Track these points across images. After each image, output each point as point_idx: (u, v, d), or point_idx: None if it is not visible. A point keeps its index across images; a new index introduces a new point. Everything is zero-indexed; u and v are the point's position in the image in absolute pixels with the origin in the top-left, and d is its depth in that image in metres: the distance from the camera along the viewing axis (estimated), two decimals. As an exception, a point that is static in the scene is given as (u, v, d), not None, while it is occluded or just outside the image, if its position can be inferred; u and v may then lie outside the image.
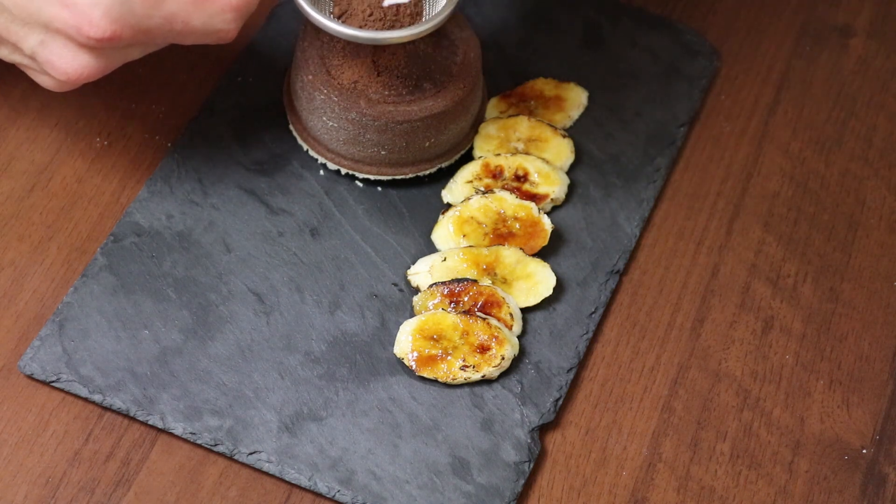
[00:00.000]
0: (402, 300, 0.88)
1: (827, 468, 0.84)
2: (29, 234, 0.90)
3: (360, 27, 0.86)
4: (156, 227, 0.90)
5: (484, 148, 0.94)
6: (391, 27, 0.86)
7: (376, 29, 0.86)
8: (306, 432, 0.83)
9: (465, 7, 1.00)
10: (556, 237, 0.91)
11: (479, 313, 0.86)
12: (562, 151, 0.94)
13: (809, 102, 0.99)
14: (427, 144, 0.91)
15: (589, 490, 0.83)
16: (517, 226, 0.89)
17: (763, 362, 0.88)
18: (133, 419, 0.83)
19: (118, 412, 0.83)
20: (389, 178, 0.92)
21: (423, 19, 0.87)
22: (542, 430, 0.85)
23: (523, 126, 0.94)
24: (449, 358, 0.85)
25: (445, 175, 0.93)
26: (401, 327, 0.86)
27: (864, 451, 0.85)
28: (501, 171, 0.92)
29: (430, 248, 0.90)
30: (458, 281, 0.87)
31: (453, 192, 0.92)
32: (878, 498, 0.84)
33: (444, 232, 0.90)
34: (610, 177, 0.94)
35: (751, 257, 0.92)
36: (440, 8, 0.87)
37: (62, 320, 0.86)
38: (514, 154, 0.93)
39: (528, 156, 0.92)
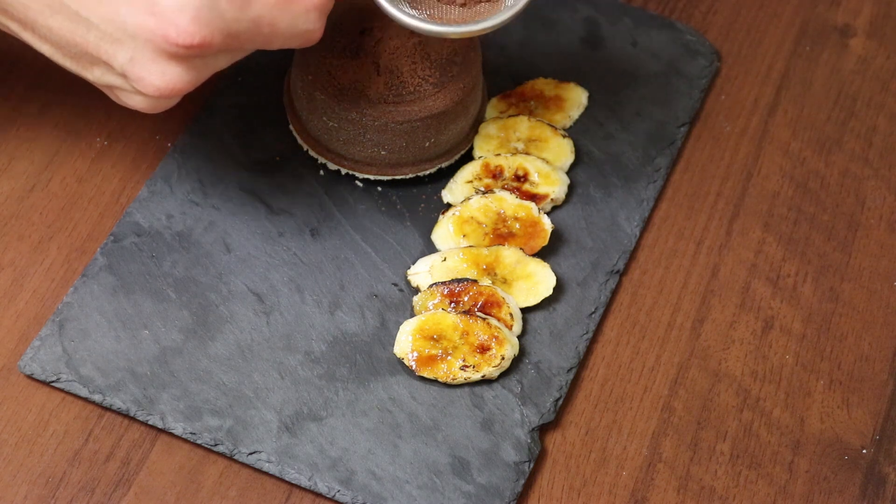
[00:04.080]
0: (402, 300, 0.88)
1: (827, 468, 0.84)
2: (29, 234, 0.90)
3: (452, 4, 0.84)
4: (156, 227, 0.90)
5: (484, 148, 0.94)
6: (464, 4, 0.85)
7: (465, 6, 0.84)
8: (306, 432, 0.83)
9: (465, 7, 1.00)
10: (556, 237, 0.91)
11: (479, 313, 0.86)
12: (562, 151, 0.94)
13: (809, 102, 0.99)
14: (427, 144, 0.91)
15: (589, 490, 0.83)
16: (517, 226, 0.89)
17: (763, 362, 0.88)
18: (133, 419, 0.83)
19: (118, 412, 0.83)
20: (389, 178, 0.92)
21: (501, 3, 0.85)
22: (542, 430, 0.85)
23: (523, 126, 0.94)
24: (449, 358, 0.85)
25: (445, 175, 0.93)
26: (401, 327, 0.86)
27: (864, 451, 0.85)
28: (501, 171, 0.92)
29: (430, 248, 0.90)
30: (458, 281, 0.87)
31: (453, 192, 0.92)
32: (878, 498, 0.84)
33: (444, 232, 0.90)
34: (610, 177, 0.94)
35: (751, 257, 0.92)
36: None
37: (62, 320, 0.86)
38: (514, 154, 0.93)
39: (528, 156, 0.92)
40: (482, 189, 0.91)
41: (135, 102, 0.80)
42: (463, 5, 0.85)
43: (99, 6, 0.76)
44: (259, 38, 0.79)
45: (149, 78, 0.78)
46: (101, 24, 0.77)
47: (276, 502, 0.82)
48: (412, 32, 0.89)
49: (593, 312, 0.89)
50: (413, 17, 0.83)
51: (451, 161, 0.93)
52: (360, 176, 0.92)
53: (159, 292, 0.87)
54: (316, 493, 0.82)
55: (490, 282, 0.88)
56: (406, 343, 0.85)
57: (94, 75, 0.80)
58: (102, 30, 0.77)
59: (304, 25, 0.80)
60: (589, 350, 0.88)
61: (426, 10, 0.84)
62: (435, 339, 0.85)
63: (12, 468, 0.82)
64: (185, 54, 0.77)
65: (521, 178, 0.92)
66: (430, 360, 0.85)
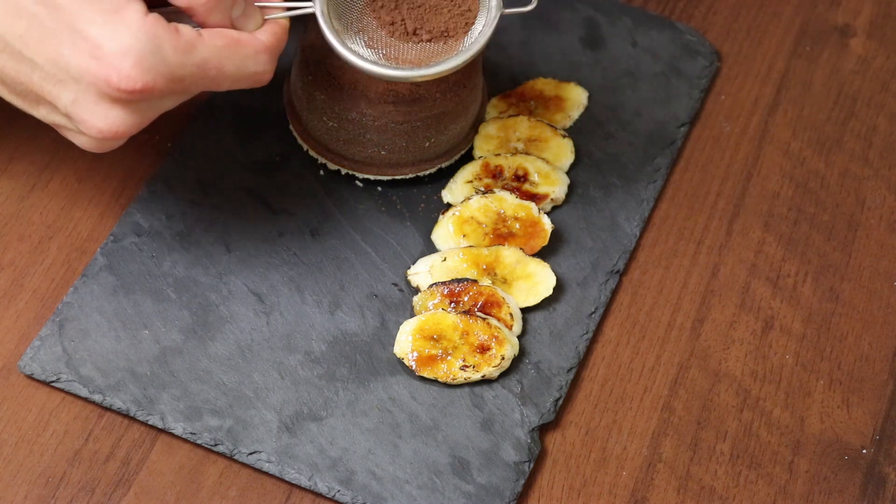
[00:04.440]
0: (402, 300, 0.88)
1: (827, 468, 0.84)
2: (29, 234, 0.90)
3: (409, 42, 0.85)
4: (156, 227, 0.90)
5: (484, 148, 0.94)
6: (414, 34, 0.85)
7: (399, 38, 0.85)
8: (306, 432, 0.83)
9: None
10: (556, 237, 0.91)
11: (479, 313, 0.86)
12: (562, 151, 0.94)
13: (809, 102, 0.99)
14: (427, 144, 0.91)
15: (589, 490, 0.83)
16: (517, 226, 0.89)
17: (763, 362, 0.88)
18: (133, 419, 0.83)
19: (118, 412, 0.83)
20: (389, 178, 0.92)
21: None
22: (542, 430, 0.85)
23: (523, 126, 0.94)
24: (449, 358, 0.85)
25: (445, 175, 0.93)
26: (401, 327, 0.86)
27: (864, 451, 0.85)
28: (501, 171, 0.92)
29: (430, 248, 0.90)
30: (458, 281, 0.87)
31: (453, 192, 0.92)
32: (878, 498, 0.84)
33: (444, 232, 0.90)
34: (610, 177, 0.94)
35: (751, 257, 0.92)
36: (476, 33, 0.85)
37: (62, 320, 0.86)
38: (514, 154, 0.93)
39: (528, 156, 0.92)
40: (482, 189, 0.91)
41: (80, 142, 0.80)
42: (429, 41, 0.85)
43: (43, 47, 0.75)
44: (205, 81, 0.78)
45: (91, 120, 0.77)
46: (46, 65, 0.76)
47: (276, 502, 0.82)
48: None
49: (593, 312, 0.88)
50: (365, 60, 0.82)
51: (451, 161, 0.93)
52: (360, 176, 0.92)
53: (159, 292, 0.87)
54: (316, 493, 0.82)
55: (490, 282, 0.88)
56: (406, 343, 0.85)
57: (41, 114, 0.80)
58: (46, 71, 0.76)
59: (253, 68, 0.79)
60: (589, 350, 0.88)
61: (382, 50, 0.84)
62: (435, 339, 0.85)
63: (12, 468, 0.82)
64: (127, 98, 0.76)
65: (521, 178, 0.92)
66: (430, 360, 0.85)
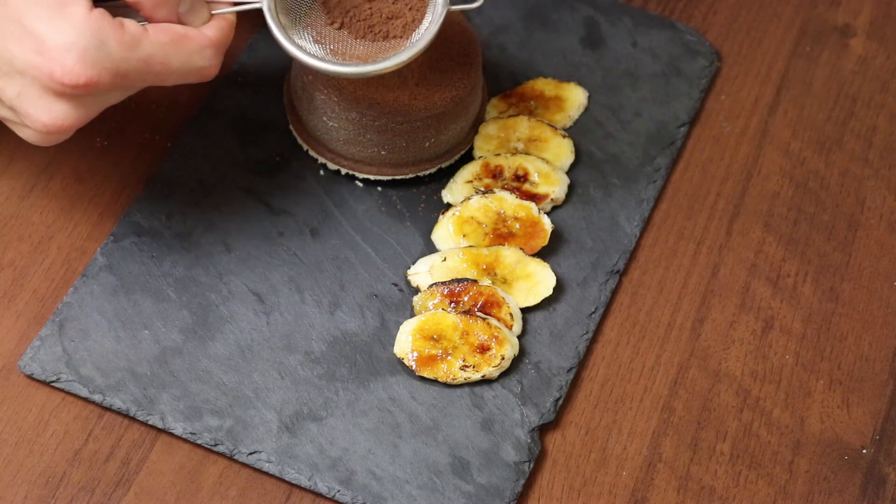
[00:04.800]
0: (402, 300, 0.88)
1: (827, 468, 0.84)
2: (29, 234, 0.90)
3: (358, 38, 0.85)
4: (156, 227, 0.90)
5: (484, 148, 0.94)
6: (385, 37, 0.85)
7: (371, 40, 0.85)
8: (306, 432, 0.83)
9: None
10: (556, 237, 0.91)
11: (479, 313, 0.86)
12: (562, 151, 0.94)
13: (809, 102, 0.99)
14: (427, 144, 0.91)
15: (589, 490, 0.83)
16: (517, 226, 0.89)
17: (763, 362, 0.88)
18: (133, 419, 0.83)
19: (118, 412, 0.83)
20: (389, 178, 0.92)
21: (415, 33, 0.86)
22: (542, 430, 0.85)
23: (523, 126, 0.94)
24: (449, 358, 0.85)
25: (445, 175, 0.93)
26: (401, 327, 0.86)
27: (864, 451, 0.85)
28: (501, 171, 0.92)
29: (430, 248, 0.90)
30: (458, 281, 0.87)
31: (453, 192, 0.92)
32: (878, 498, 0.84)
33: (444, 232, 0.90)
34: (610, 177, 0.94)
35: (751, 257, 0.92)
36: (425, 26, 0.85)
37: (62, 320, 0.86)
38: (514, 154, 0.93)
39: (528, 156, 0.92)
40: (482, 189, 0.91)
41: (26, 135, 0.80)
42: (376, 38, 0.85)
43: None
44: (150, 76, 0.78)
45: (35, 114, 0.77)
46: None
47: (276, 502, 0.82)
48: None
49: (593, 312, 0.89)
50: (312, 56, 0.82)
51: (451, 161, 0.93)
52: (360, 176, 0.92)
53: (159, 292, 0.87)
54: (316, 493, 0.82)
55: (490, 282, 0.88)
56: (406, 343, 0.85)
57: None
58: None
59: (199, 63, 0.79)
60: (589, 350, 0.88)
61: (329, 45, 0.84)
62: (435, 339, 0.85)
63: (12, 468, 0.82)
64: (71, 93, 0.76)
65: (521, 178, 0.92)
66: (430, 360, 0.85)
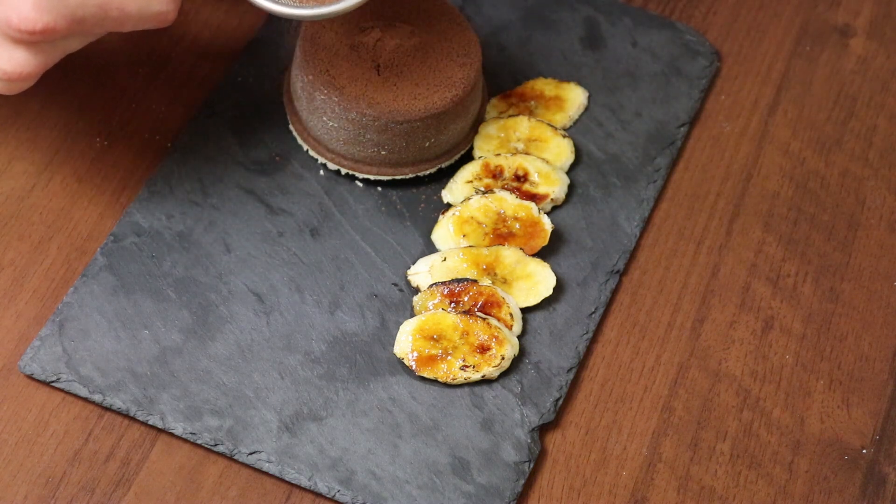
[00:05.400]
0: (402, 300, 0.88)
1: (827, 468, 0.84)
2: (29, 234, 0.90)
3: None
4: (156, 227, 0.90)
5: (484, 148, 0.94)
6: None
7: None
8: (306, 432, 0.83)
9: (465, 7, 1.00)
10: (556, 237, 0.91)
11: (479, 313, 0.86)
12: (562, 151, 0.94)
13: (809, 102, 0.99)
14: (427, 144, 0.91)
15: (589, 490, 0.83)
16: (517, 226, 0.89)
17: (763, 362, 0.88)
18: (133, 419, 0.83)
19: (118, 412, 0.83)
20: (389, 178, 0.92)
21: None
22: (542, 430, 0.85)
23: (523, 126, 0.94)
24: (449, 358, 0.85)
25: (445, 175, 0.93)
26: (401, 327, 0.86)
27: (864, 451, 0.85)
28: (501, 171, 0.92)
29: (430, 248, 0.90)
30: (458, 281, 0.87)
31: (453, 192, 0.92)
32: (878, 498, 0.84)
33: (444, 232, 0.90)
34: (610, 177, 0.94)
35: (751, 257, 0.92)
36: None
37: (62, 320, 0.86)
38: (514, 154, 0.93)
39: (528, 156, 0.92)
40: (482, 189, 0.91)
41: None
42: None
43: None
44: (108, 22, 0.78)
45: None
46: None
47: (276, 502, 0.82)
48: (412, 32, 0.90)
49: (593, 312, 0.88)
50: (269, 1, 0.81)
51: (451, 161, 0.93)
52: (360, 176, 0.92)
53: (159, 292, 0.87)
54: (316, 493, 0.82)
55: (490, 282, 0.88)
56: (406, 343, 0.85)
57: None
58: None
59: (156, 7, 0.79)
60: (589, 350, 0.88)
61: None
62: (435, 339, 0.85)
63: (12, 468, 0.82)
64: (29, 40, 0.76)
65: (521, 178, 0.92)
66: (430, 360, 0.85)
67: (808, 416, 0.86)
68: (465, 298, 0.86)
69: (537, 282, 0.88)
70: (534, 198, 0.91)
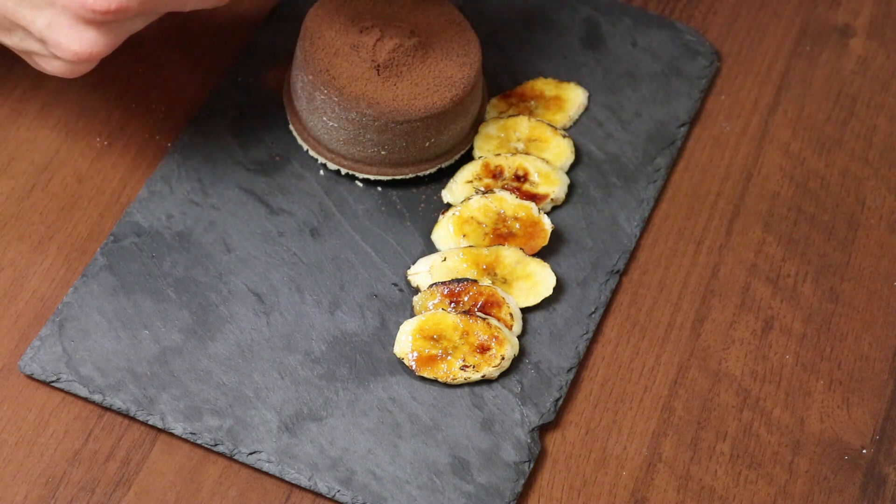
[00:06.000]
0: (402, 300, 0.88)
1: (827, 468, 0.84)
2: (29, 234, 0.90)
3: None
4: (156, 227, 0.90)
5: (484, 148, 0.94)
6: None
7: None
8: (306, 432, 0.83)
9: (465, 7, 1.00)
10: (556, 237, 0.91)
11: (479, 313, 0.86)
12: (562, 151, 0.94)
13: (809, 102, 0.99)
14: (427, 144, 0.91)
15: (589, 490, 0.83)
16: (517, 226, 0.89)
17: (763, 362, 0.88)
18: (133, 419, 0.83)
19: (118, 412, 0.83)
20: (389, 178, 0.92)
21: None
22: (542, 430, 0.85)
23: (523, 126, 0.94)
24: (449, 358, 0.85)
25: (445, 175, 0.93)
26: (401, 327, 0.86)
27: (864, 451, 0.85)
28: (501, 171, 0.92)
29: (430, 248, 0.90)
30: (458, 281, 0.87)
31: (453, 192, 0.92)
32: (878, 498, 0.84)
33: (444, 232, 0.90)
34: (610, 177, 0.94)
35: (751, 257, 0.92)
36: None
37: (62, 320, 0.86)
38: (514, 154, 0.93)
39: (528, 156, 0.92)
40: (482, 189, 0.91)
41: (53, 68, 0.82)
42: None
43: None
44: (174, 0, 0.80)
45: (66, 43, 0.79)
46: None
47: (276, 502, 0.82)
48: (412, 32, 0.90)
49: (593, 312, 0.88)
50: None
51: (451, 161, 0.93)
52: (360, 176, 0.92)
53: (159, 292, 0.87)
54: (316, 493, 0.82)
55: (490, 282, 0.88)
56: (406, 343, 0.85)
57: (13, 41, 0.82)
58: None
59: None
60: (589, 350, 0.88)
61: None
62: (435, 339, 0.85)
63: (12, 468, 0.82)
64: (102, 20, 0.78)
65: (521, 178, 0.92)
66: (430, 360, 0.85)
67: (808, 416, 0.86)
68: (465, 298, 0.86)
69: (537, 282, 0.88)
70: (534, 198, 0.91)
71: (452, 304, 0.86)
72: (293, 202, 0.91)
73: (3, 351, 0.85)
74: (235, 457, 0.82)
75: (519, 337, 0.87)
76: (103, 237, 0.90)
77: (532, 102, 0.96)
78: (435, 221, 0.91)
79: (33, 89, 0.95)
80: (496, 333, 0.85)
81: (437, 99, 0.89)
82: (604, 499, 0.83)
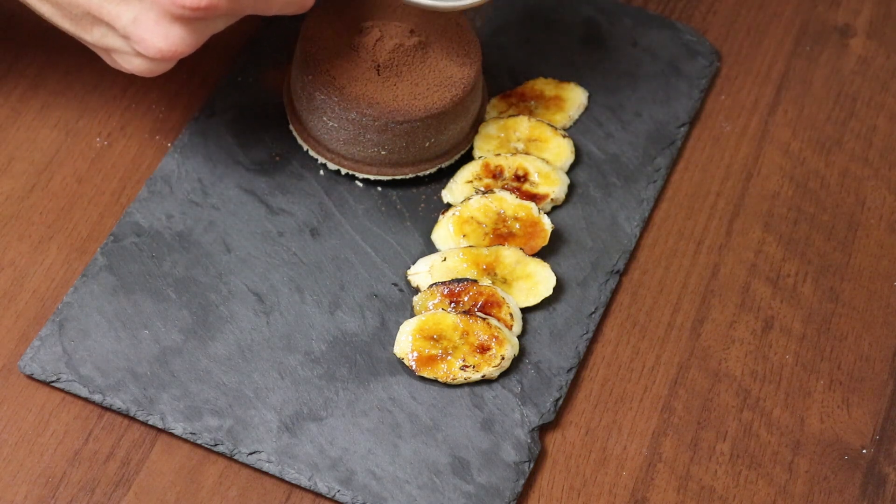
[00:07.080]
0: (402, 300, 0.88)
1: (827, 468, 0.84)
2: (29, 234, 0.90)
3: None
4: (156, 227, 0.90)
5: (484, 148, 0.94)
6: None
7: None
8: (306, 432, 0.83)
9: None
10: (556, 237, 0.91)
11: (479, 313, 0.86)
12: (562, 151, 0.94)
13: (809, 102, 0.99)
14: (427, 144, 0.91)
15: (589, 490, 0.83)
16: (517, 226, 0.89)
17: (763, 362, 0.88)
18: (133, 419, 0.83)
19: (118, 412, 0.83)
20: (389, 178, 0.92)
21: None
22: (542, 430, 0.85)
23: (523, 126, 0.94)
24: (449, 358, 0.85)
25: (445, 175, 0.93)
26: (401, 327, 0.86)
27: (864, 451, 0.85)
28: (501, 171, 0.92)
29: (430, 248, 0.90)
30: (458, 281, 0.87)
31: (453, 192, 0.92)
32: (878, 498, 0.84)
33: (444, 232, 0.90)
34: (610, 177, 0.94)
35: (751, 257, 0.92)
36: None
37: (62, 320, 0.86)
38: (514, 154, 0.93)
39: (528, 156, 0.92)
40: (482, 189, 0.91)
41: (133, 66, 0.81)
42: None
43: None
44: (260, 3, 0.79)
45: (151, 40, 0.78)
46: None
47: (276, 502, 0.82)
48: (412, 32, 0.90)
49: (593, 312, 0.88)
50: None
51: (451, 161, 0.93)
52: (360, 176, 0.92)
53: (159, 292, 0.87)
54: (316, 493, 0.82)
55: (490, 282, 0.88)
56: (406, 343, 0.85)
57: (94, 37, 0.80)
58: None
59: None
60: (589, 350, 0.88)
61: None
62: (435, 339, 0.85)
63: (12, 468, 0.82)
64: (190, 16, 0.77)
65: (521, 178, 0.92)
66: (430, 360, 0.85)
67: (808, 416, 0.86)
68: (465, 298, 0.86)
69: (537, 282, 0.88)
70: (534, 198, 0.91)
71: (452, 304, 0.86)
72: (293, 202, 0.91)
73: (3, 351, 0.85)
74: (235, 457, 0.82)
75: (519, 337, 0.87)
76: (103, 237, 0.90)
77: (532, 102, 0.96)
78: (435, 221, 0.91)
79: (33, 89, 0.95)
80: (496, 333, 0.85)
81: (437, 99, 0.89)
82: (604, 499, 0.83)
